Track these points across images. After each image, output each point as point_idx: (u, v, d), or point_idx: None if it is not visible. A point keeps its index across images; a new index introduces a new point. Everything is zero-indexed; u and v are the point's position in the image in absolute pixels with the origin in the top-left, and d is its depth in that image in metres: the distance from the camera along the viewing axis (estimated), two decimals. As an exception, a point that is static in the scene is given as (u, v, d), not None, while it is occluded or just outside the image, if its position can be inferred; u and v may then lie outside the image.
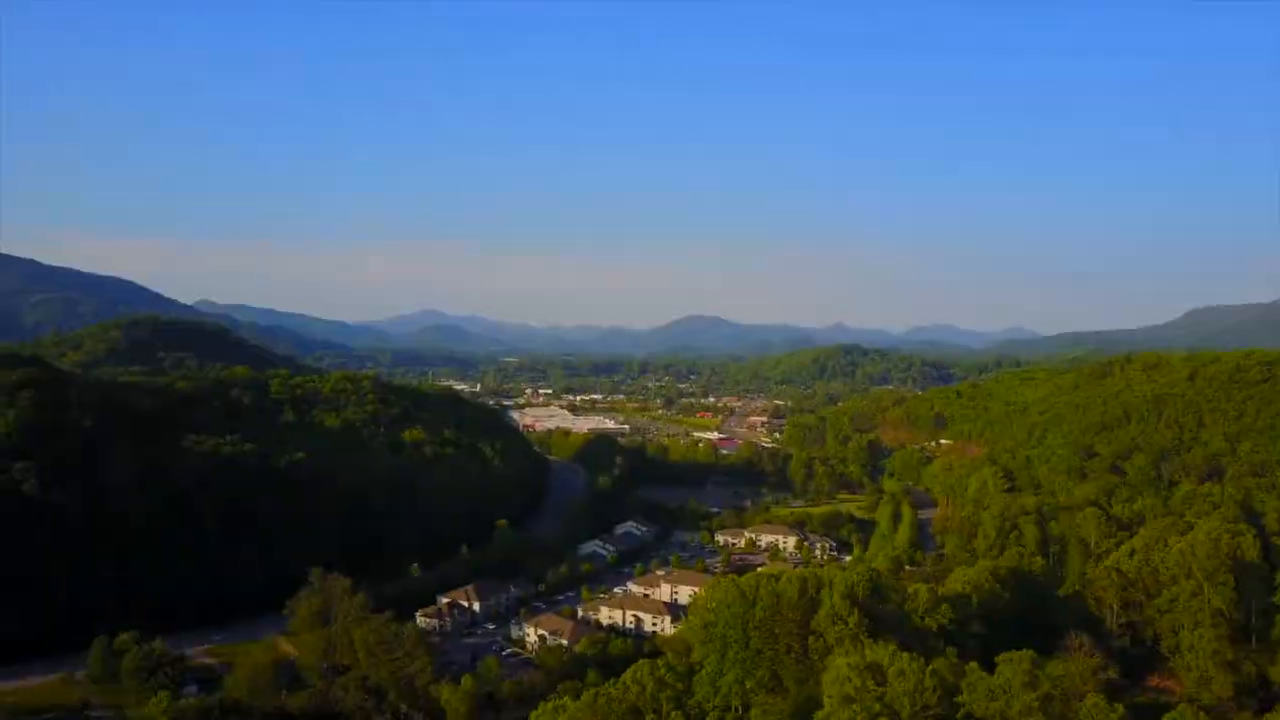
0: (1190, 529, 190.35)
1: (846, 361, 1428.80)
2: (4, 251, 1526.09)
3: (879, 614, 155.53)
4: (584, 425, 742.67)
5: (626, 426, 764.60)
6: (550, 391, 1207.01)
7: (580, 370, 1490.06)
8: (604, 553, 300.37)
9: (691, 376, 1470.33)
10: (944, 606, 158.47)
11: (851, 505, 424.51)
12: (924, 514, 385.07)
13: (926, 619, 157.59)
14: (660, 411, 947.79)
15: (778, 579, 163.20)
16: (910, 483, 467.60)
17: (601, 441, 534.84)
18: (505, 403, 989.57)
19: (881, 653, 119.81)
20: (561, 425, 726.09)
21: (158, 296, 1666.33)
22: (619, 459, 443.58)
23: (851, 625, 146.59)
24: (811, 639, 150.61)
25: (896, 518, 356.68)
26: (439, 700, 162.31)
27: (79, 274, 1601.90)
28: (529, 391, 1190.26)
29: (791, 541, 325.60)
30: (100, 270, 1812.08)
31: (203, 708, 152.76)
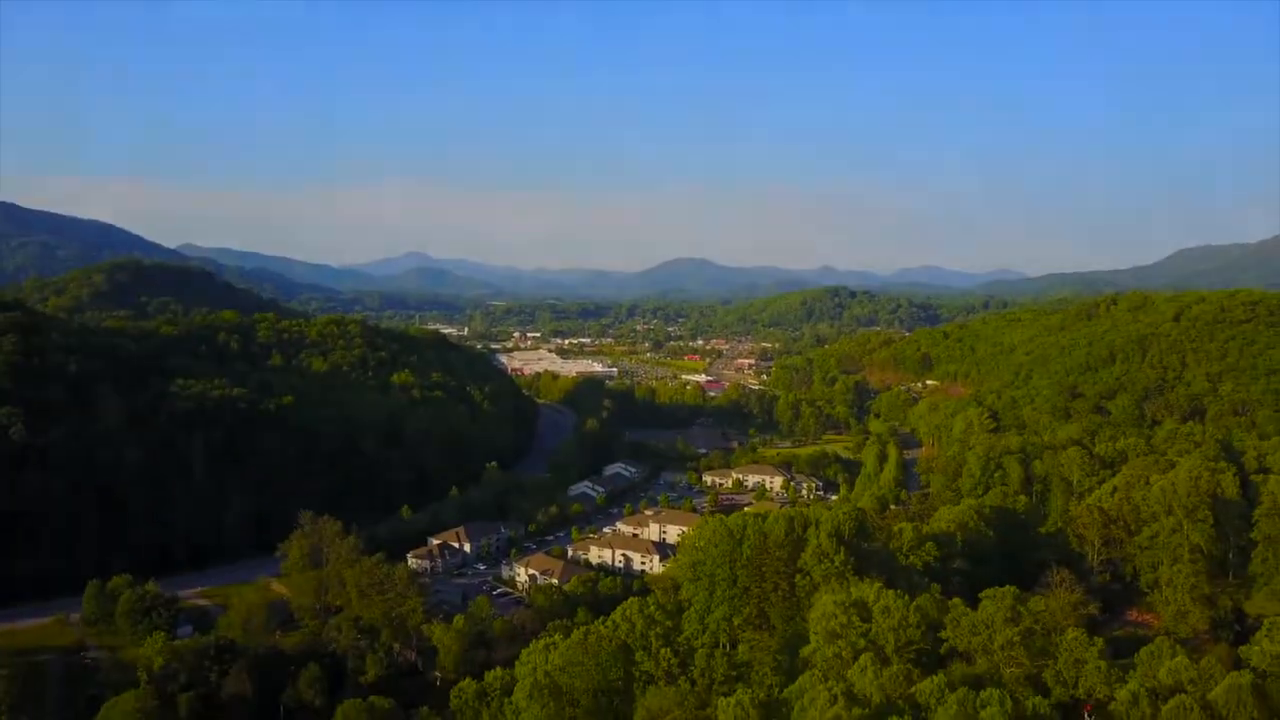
0: (1172, 467, 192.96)
1: (834, 304, 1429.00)
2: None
3: (864, 552, 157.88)
4: (572, 369, 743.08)
5: (615, 370, 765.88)
6: (538, 335, 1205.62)
7: (568, 314, 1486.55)
8: (593, 494, 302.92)
9: (679, 320, 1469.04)
10: (929, 544, 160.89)
11: (838, 446, 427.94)
12: (910, 454, 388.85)
13: (911, 557, 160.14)
14: (648, 355, 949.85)
15: (765, 519, 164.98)
16: (896, 424, 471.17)
17: (589, 385, 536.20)
18: (493, 346, 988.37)
19: (866, 590, 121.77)
20: (549, 369, 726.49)
21: (139, 240, 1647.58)
22: (607, 402, 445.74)
23: (837, 563, 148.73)
24: (798, 577, 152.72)
25: (882, 458, 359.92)
26: (431, 639, 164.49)
27: (59, 217, 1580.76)
28: (516, 335, 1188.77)
29: (778, 482, 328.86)
30: (81, 214, 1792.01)
31: (198, 648, 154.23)
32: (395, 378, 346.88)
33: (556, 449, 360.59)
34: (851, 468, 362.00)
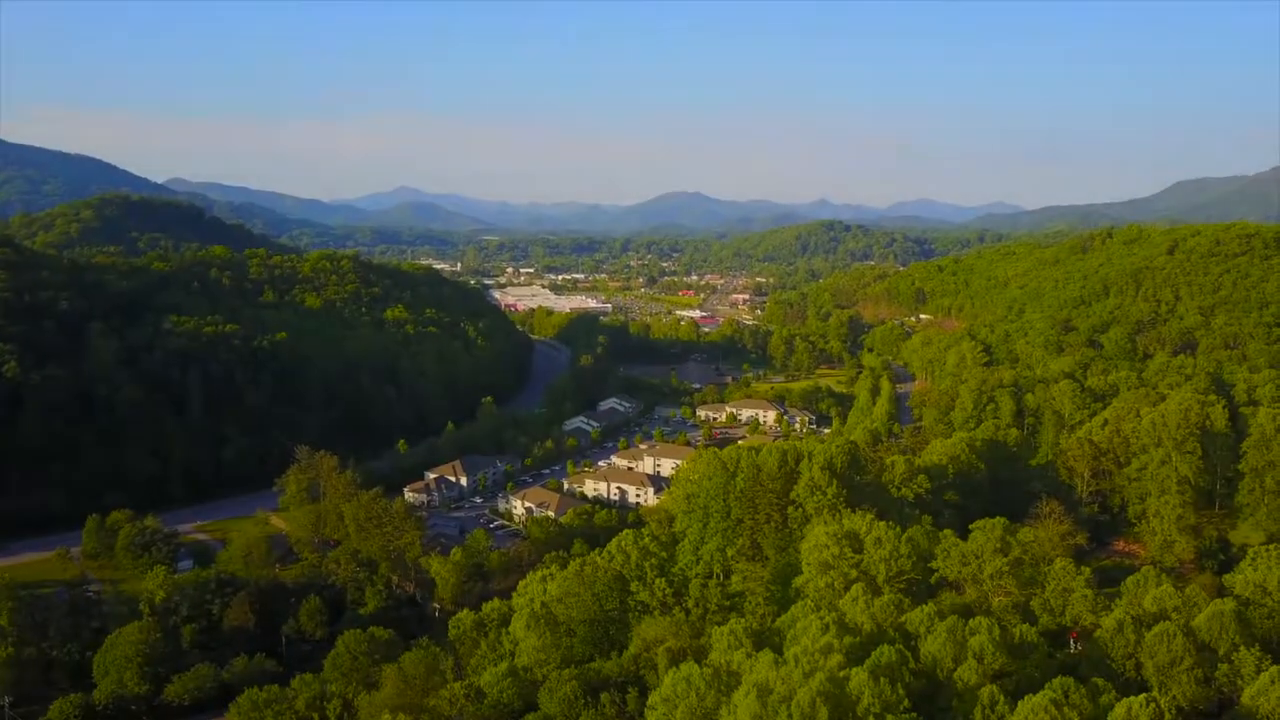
0: (1162, 400, 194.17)
1: (829, 238, 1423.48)
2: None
3: (857, 485, 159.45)
4: (566, 305, 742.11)
5: (609, 306, 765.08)
6: (531, 271, 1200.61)
7: (561, 249, 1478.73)
8: (588, 428, 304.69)
9: (674, 254, 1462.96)
10: (920, 477, 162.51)
11: (831, 380, 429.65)
12: (903, 388, 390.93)
13: (903, 489, 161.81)
14: (642, 290, 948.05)
15: (758, 451, 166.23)
16: (889, 358, 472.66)
17: (584, 321, 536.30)
18: (486, 282, 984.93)
19: (858, 521, 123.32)
20: (543, 305, 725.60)
21: (128, 175, 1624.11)
22: (601, 338, 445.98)
23: (830, 496, 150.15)
24: (791, 509, 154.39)
25: (875, 392, 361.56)
26: (429, 571, 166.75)
27: (45, 151, 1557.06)
28: (510, 271, 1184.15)
29: (771, 415, 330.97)
30: (67, 148, 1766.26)
31: (199, 581, 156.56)
32: (389, 314, 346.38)
33: (551, 384, 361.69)
34: (844, 402, 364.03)
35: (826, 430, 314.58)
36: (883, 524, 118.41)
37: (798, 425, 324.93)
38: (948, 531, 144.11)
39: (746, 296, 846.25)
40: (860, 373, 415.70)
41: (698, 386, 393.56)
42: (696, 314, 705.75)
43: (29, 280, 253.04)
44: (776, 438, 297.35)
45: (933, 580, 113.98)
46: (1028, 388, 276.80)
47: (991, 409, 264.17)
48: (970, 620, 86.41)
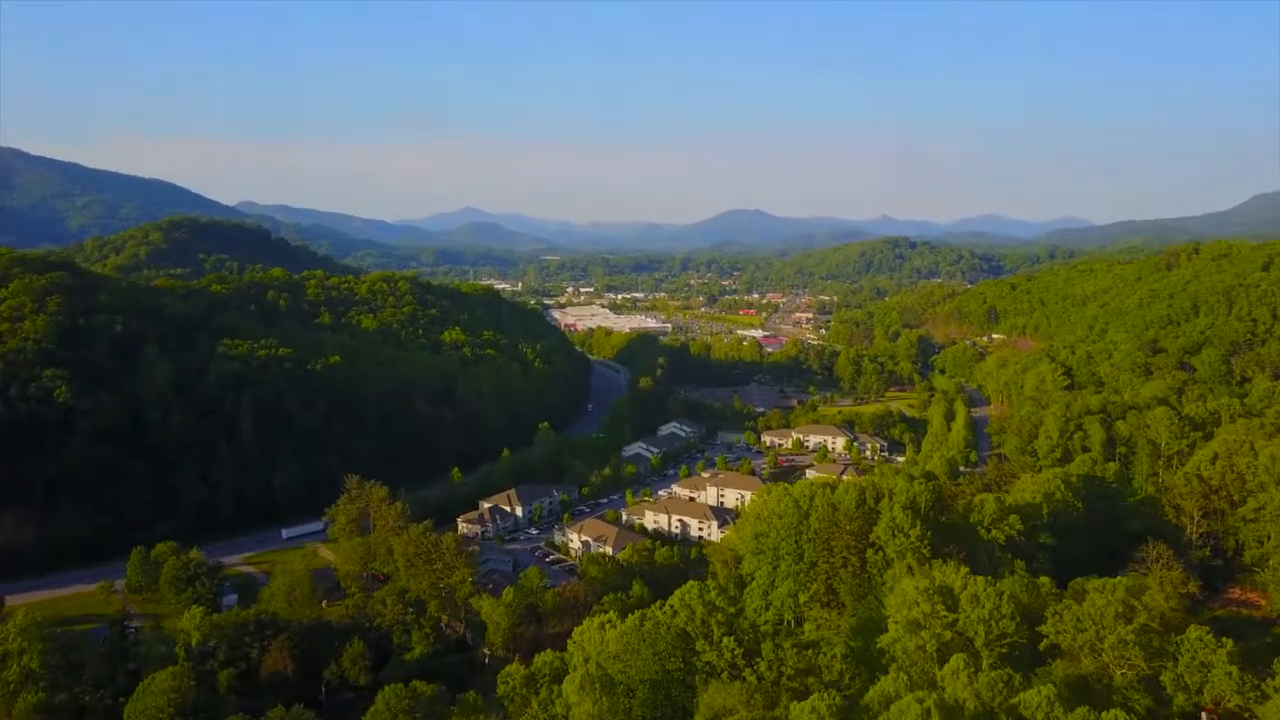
0: (1279, 432, 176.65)
1: (893, 255, 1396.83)
2: (47, 155, 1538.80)
3: (942, 526, 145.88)
4: (625, 325, 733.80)
5: (669, 325, 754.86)
6: (591, 290, 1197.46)
7: (621, 268, 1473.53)
8: (647, 455, 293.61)
9: (734, 273, 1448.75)
10: (1013, 518, 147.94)
11: (902, 403, 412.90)
12: (977, 412, 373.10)
13: (994, 530, 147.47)
14: (703, 310, 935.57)
15: (833, 488, 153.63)
16: (962, 380, 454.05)
17: (643, 341, 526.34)
18: (546, 302, 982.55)
19: (951, 574, 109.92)
20: (603, 324, 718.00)
21: (199, 198, 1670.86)
22: (661, 359, 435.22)
23: (913, 538, 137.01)
24: (870, 552, 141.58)
25: (949, 416, 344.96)
26: (480, 613, 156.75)
27: (121, 176, 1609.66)
28: (570, 290, 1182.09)
29: (840, 442, 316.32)
30: (143, 173, 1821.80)
31: (238, 622, 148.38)
32: (446, 335, 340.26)
33: (610, 408, 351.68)
34: (917, 427, 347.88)
35: (900, 458, 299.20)
36: (980, 579, 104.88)
37: (868, 452, 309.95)
38: (1045, 580, 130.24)
39: (810, 315, 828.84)
40: (932, 396, 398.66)
41: (761, 410, 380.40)
42: (759, 333, 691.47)
43: (85, 304, 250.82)
44: (846, 466, 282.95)
45: (1041, 646, 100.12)
46: (1117, 414, 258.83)
47: (1080, 437, 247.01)
48: (1104, 714, 72.82)
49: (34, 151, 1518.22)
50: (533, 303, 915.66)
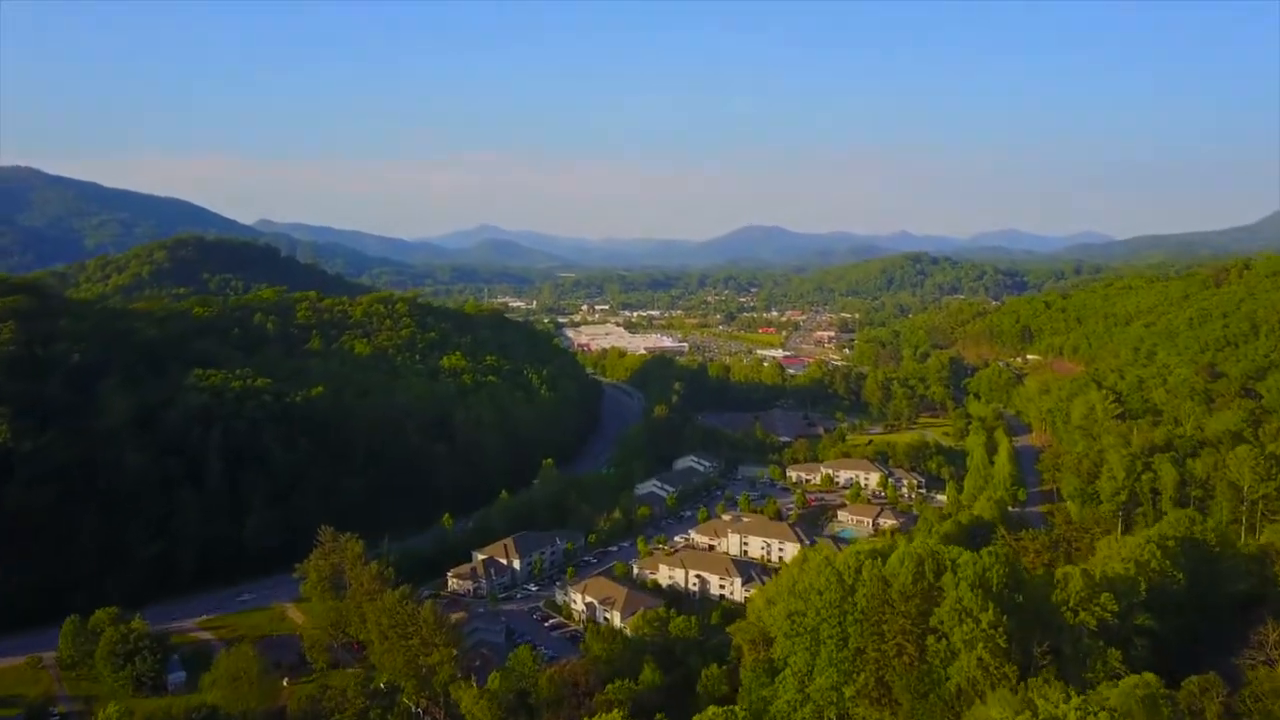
0: None
1: (915, 271, 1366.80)
2: (65, 174, 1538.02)
3: (1018, 607, 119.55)
4: (641, 344, 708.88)
5: (685, 345, 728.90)
6: (606, 308, 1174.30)
7: (637, 285, 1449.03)
8: (662, 493, 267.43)
9: (752, 289, 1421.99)
10: (1105, 597, 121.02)
11: (936, 431, 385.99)
12: (1018, 441, 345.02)
13: (1082, 613, 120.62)
14: (720, 328, 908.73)
15: (884, 557, 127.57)
16: (999, 405, 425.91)
17: (659, 363, 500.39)
18: (560, 320, 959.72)
19: (1053, 701, 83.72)
20: (617, 344, 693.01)
21: (216, 217, 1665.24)
22: (677, 385, 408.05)
23: (985, 625, 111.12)
24: (931, 640, 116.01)
25: (990, 448, 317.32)
26: (459, 705, 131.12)
27: (138, 195, 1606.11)
28: (585, 308, 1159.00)
29: (874, 478, 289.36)
30: (161, 191, 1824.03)
31: (170, 717, 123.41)
32: (445, 361, 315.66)
33: (621, 439, 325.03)
34: (955, 458, 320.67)
35: (939, 496, 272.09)
36: (1104, 715, 78.53)
37: (904, 488, 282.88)
38: (1151, 679, 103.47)
39: (833, 334, 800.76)
40: (969, 424, 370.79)
41: (786, 439, 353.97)
42: (779, 354, 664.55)
43: (44, 331, 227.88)
44: (882, 507, 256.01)
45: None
46: (1186, 450, 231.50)
47: (1148, 478, 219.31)
48: None
49: (51, 170, 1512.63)
50: (546, 321, 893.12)
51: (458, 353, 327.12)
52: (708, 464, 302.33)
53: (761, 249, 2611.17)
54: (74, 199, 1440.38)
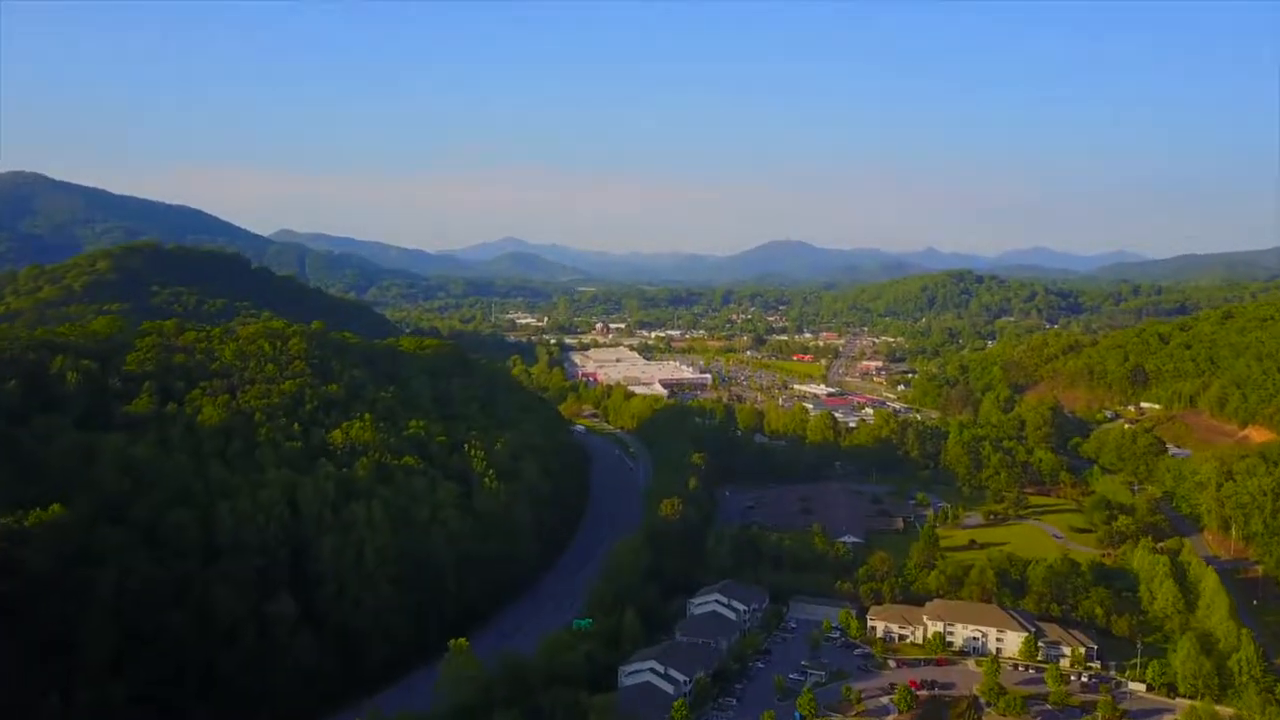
0: None
1: (958, 290, 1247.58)
2: (72, 180, 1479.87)
3: None
4: (656, 374, 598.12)
5: (708, 375, 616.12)
6: (623, 326, 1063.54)
7: (658, 301, 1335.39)
8: (661, 683, 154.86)
9: (780, 307, 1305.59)
10: None
11: (1052, 520, 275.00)
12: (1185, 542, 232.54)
13: None
14: (749, 353, 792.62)
15: None
16: (1135, 480, 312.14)
17: (674, 415, 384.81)
18: (568, 341, 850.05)
19: None
20: (628, 374, 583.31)
21: (228, 225, 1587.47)
22: (696, 458, 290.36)
23: None
24: None
25: (1177, 576, 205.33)
26: None
27: (147, 202, 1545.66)
28: (598, 326, 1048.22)
29: (1014, 643, 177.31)
30: (171, 199, 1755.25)
31: None
32: (334, 436, 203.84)
33: (607, 570, 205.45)
34: (1112, 580, 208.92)
35: (1130, 684, 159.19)
36: None
37: (1067, 659, 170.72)
38: None
39: (880, 364, 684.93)
40: (1111, 516, 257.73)
41: (853, 540, 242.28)
42: (822, 390, 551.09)
43: None
44: (1031, 687, 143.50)
45: None
46: None
47: None
48: None
49: (58, 176, 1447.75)
50: (552, 343, 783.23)
51: (368, 416, 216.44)
52: (742, 607, 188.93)
53: (787, 264, 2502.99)
54: (80, 205, 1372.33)
